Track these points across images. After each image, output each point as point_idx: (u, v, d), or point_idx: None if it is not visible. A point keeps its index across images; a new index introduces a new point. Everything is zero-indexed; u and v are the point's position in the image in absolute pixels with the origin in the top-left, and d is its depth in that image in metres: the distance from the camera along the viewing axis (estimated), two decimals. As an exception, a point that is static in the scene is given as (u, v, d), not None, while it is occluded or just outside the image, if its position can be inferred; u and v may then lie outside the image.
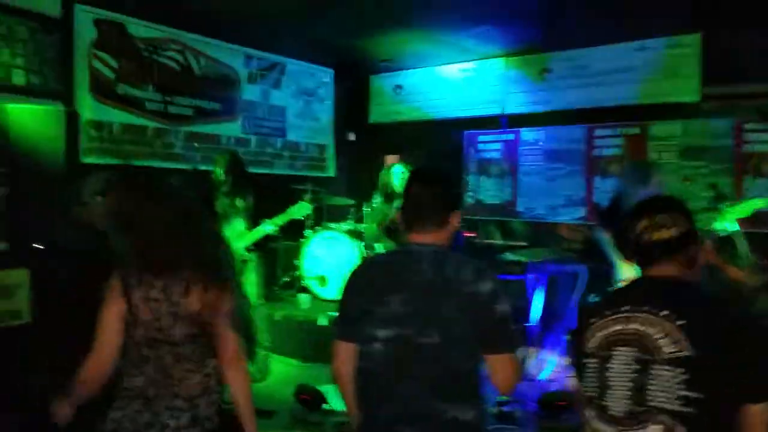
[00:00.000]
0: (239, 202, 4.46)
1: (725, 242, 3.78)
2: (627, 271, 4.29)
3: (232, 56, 6.31)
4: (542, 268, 5.28)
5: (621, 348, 1.54)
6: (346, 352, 1.84)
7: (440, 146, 7.11)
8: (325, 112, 7.52)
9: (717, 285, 2.73)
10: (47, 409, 1.84)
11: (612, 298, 1.76)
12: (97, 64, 5.13)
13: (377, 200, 5.70)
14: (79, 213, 2.88)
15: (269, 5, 5.10)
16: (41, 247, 3.99)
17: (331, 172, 7.60)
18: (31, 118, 4.29)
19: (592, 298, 4.63)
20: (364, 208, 5.94)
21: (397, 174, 5.19)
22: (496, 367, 1.70)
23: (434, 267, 1.71)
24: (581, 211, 6.12)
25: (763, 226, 4.66)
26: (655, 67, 5.57)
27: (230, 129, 6.31)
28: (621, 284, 4.26)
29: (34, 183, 4.14)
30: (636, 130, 5.80)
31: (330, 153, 7.60)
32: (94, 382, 1.88)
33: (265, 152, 6.68)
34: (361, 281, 1.85)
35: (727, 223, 3.80)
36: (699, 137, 5.43)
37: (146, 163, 5.42)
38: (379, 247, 5.29)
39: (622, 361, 1.53)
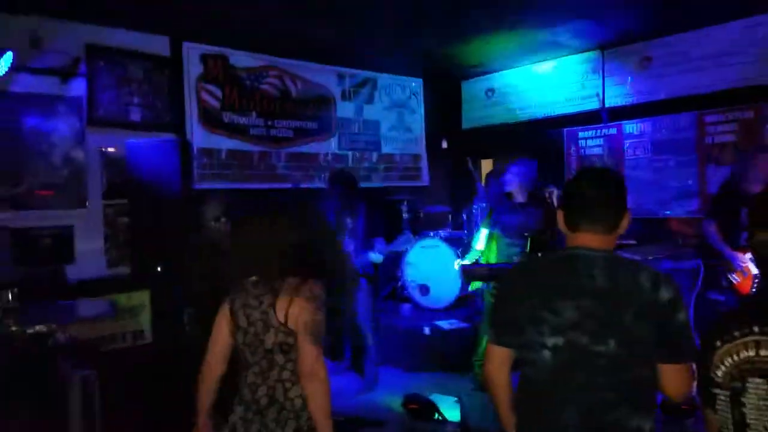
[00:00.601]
0: (349, 222, 4.58)
1: None
2: (744, 261, 4.00)
3: (325, 76, 6.56)
4: (657, 266, 5.00)
5: (755, 379, 1.34)
6: (500, 358, 1.83)
7: (538, 146, 6.96)
8: (417, 122, 7.60)
9: None
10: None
11: (736, 314, 1.56)
12: (205, 96, 5.53)
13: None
14: (200, 236, 3.14)
15: (359, 25, 5.26)
16: (160, 269, 4.34)
17: (425, 180, 7.65)
18: (149, 151, 4.68)
19: (714, 295, 4.34)
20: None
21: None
22: (672, 376, 1.64)
23: (608, 273, 1.65)
24: (695, 203, 5.73)
25: None
26: (765, 45, 5.13)
27: (327, 147, 6.55)
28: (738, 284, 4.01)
29: (153, 210, 4.50)
30: (751, 114, 5.36)
31: (424, 162, 7.65)
32: (208, 386, 2.05)
33: (361, 167, 6.86)
34: (522, 286, 1.81)
35: None
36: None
37: (252, 186, 5.76)
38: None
39: (758, 396, 1.33)
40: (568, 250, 1.76)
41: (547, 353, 1.66)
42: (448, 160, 7.83)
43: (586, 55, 6.44)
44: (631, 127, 6.19)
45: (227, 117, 5.68)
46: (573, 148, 6.68)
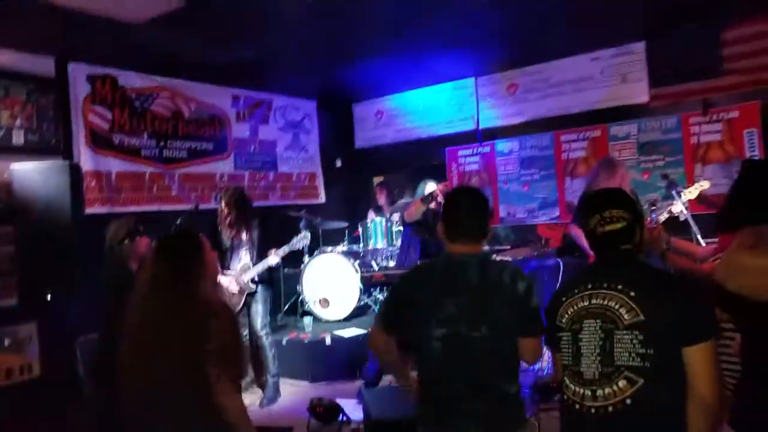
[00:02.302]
0: (244, 235, 4.79)
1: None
2: None
3: (219, 97, 6.72)
4: (525, 265, 5.65)
5: (589, 320, 1.83)
6: (386, 340, 2.22)
7: (424, 164, 7.53)
8: (312, 142, 7.93)
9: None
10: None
11: (576, 278, 2.02)
12: (93, 118, 5.52)
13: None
14: (107, 257, 3.26)
15: (255, 49, 5.52)
16: (50, 297, 4.26)
17: (321, 198, 7.97)
18: (36, 176, 4.61)
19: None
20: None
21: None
22: (529, 347, 2.10)
23: (479, 272, 2.09)
24: (556, 211, 6.50)
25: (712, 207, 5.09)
26: (609, 74, 6.00)
27: (223, 167, 6.70)
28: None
29: (42, 237, 4.44)
30: (597, 133, 6.21)
31: (320, 180, 7.98)
32: None
33: (258, 185, 7.06)
34: (414, 287, 2.19)
35: (682, 206, 4.21)
36: (652, 133, 5.84)
37: (145, 208, 5.80)
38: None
39: (590, 332, 1.82)
40: (449, 256, 2.18)
41: (436, 343, 2.05)
42: (344, 178, 8.20)
43: (462, 81, 7.11)
44: (502, 145, 6.91)
45: (117, 138, 5.70)
46: (454, 165, 7.30)
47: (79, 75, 5.45)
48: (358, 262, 6.16)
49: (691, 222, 4.11)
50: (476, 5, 3.38)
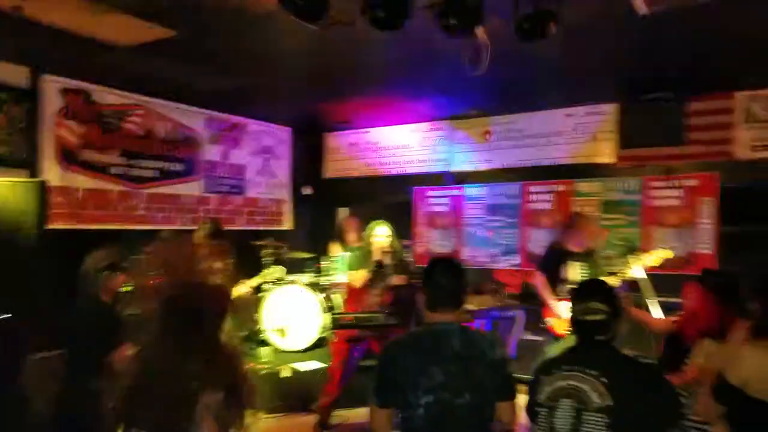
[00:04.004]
0: (218, 266, 4.74)
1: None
2: (559, 308, 4.82)
3: (193, 119, 6.68)
4: (487, 314, 5.77)
5: (564, 399, 2.04)
6: (385, 417, 2.25)
7: (391, 200, 7.62)
8: (282, 168, 7.93)
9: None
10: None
11: (557, 359, 2.27)
12: (63, 132, 5.41)
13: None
14: (81, 282, 3.17)
15: (237, 80, 5.53)
16: (7, 316, 4.13)
17: (288, 225, 7.95)
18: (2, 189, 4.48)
19: (533, 336, 5.12)
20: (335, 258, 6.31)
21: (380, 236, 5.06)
22: (506, 410, 2.24)
23: (461, 341, 2.21)
24: (518, 259, 6.67)
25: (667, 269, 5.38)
26: (579, 131, 6.25)
27: (191, 189, 6.62)
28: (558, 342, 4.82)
29: (3, 253, 4.31)
30: (564, 187, 6.43)
31: (287, 207, 7.96)
32: None
33: (225, 209, 7.00)
34: (401, 357, 2.26)
35: (637, 270, 4.41)
36: (615, 193, 6.10)
37: (110, 227, 5.67)
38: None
39: (564, 410, 2.03)
40: (431, 325, 2.29)
41: (421, 410, 2.14)
42: (311, 207, 8.20)
43: (438, 123, 7.25)
44: (471, 190, 7.05)
45: (87, 155, 5.59)
46: (421, 204, 7.41)
47: (52, 87, 5.35)
48: (321, 295, 6.16)
49: (649, 287, 4.30)
50: (474, 71, 3.50)
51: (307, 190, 8.30)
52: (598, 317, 2.12)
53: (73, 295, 3.33)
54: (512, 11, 3.20)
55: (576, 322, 2.19)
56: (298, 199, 8.09)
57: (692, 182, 5.66)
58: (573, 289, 2.34)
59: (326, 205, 8.35)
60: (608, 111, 6.10)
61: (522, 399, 2.27)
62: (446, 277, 2.31)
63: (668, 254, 4.63)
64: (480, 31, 3.17)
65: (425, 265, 2.45)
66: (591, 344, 2.14)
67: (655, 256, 4.53)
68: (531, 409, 2.20)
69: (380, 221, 5.27)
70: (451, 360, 2.17)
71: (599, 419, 1.94)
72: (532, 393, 2.20)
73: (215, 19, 4.07)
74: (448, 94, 6.13)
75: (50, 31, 4.21)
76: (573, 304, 2.21)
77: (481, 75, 5.11)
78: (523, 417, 2.31)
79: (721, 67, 4.88)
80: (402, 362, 2.24)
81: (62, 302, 3.41)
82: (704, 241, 5.53)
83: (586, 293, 2.21)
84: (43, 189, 4.56)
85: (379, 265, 5.01)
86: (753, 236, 5.29)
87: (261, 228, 7.39)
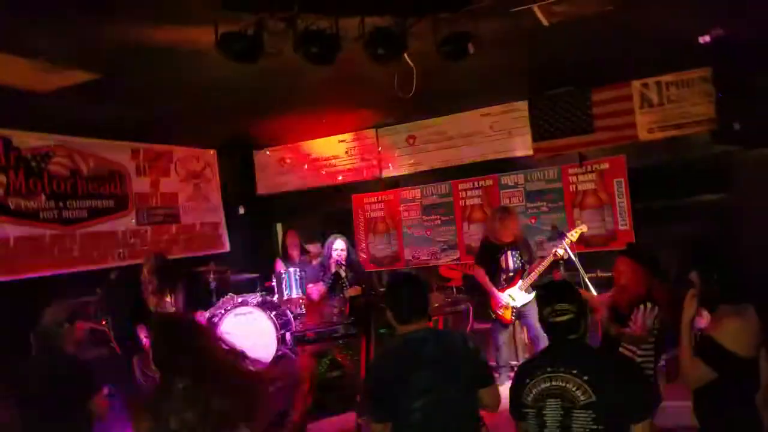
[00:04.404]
0: (169, 300, 4.76)
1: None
2: (503, 297, 5.17)
3: (118, 152, 6.56)
4: (439, 311, 6.06)
5: (551, 399, 2.21)
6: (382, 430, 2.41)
7: (330, 210, 7.79)
8: (213, 190, 7.91)
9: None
10: None
11: (536, 361, 2.44)
12: (-15, 181, 5.21)
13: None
14: (41, 341, 3.15)
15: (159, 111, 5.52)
16: None
17: (226, 247, 7.94)
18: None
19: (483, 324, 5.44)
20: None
21: (332, 246, 5.31)
22: (489, 395, 2.45)
23: (436, 344, 2.42)
24: (457, 254, 7.03)
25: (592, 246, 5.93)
26: (497, 128, 6.68)
27: (125, 223, 6.52)
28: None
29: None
30: (490, 182, 6.85)
31: (223, 230, 7.95)
32: None
33: (161, 239, 6.93)
34: (388, 370, 2.45)
35: (567, 248, 4.86)
36: (537, 183, 6.57)
37: (46, 273, 5.52)
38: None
39: (552, 409, 2.20)
40: (406, 335, 2.47)
41: (416, 414, 2.32)
42: (246, 226, 8.21)
43: (365, 132, 7.49)
44: (405, 193, 7.36)
45: (13, 203, 5.41)
46: (360, 211, 7.63)
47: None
48: (274, 313, 6.23)
49: (576, 261, 4.74)
50: (402, 94, 3.75)
51: (241, 210, 8.31)
52: (566, 317, 2.28)
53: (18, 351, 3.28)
54: (433, 35, 3.47)
55: (547, 324, 2.35)
56: (234, 219, 8.09)
57: (604, 166, 6.19)
58: (538, 293, 2.53)
59: (263, 223, 8.40)
60: (520, 108, 6.55)
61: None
62: (412, 291, 2.52)
63: (583, 229, 5.14)
64: (406, 57, 3.41)
65: (388, 284, 2.65)
66: (565, 343, 2.32)
67: (575, 233, 5.02)
68: (518, 410, 2.33)
69: (337, 234, 5.47)
70: (432, 362, 2.37)
71: (587, 415, 2.13)
72: (517, 395, 2.32)
73: (141, 59, 4.10)
74: (373, 108, 6.38)
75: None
76: (540, 307, 2.38)
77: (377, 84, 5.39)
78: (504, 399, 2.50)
79: (616, 60, 5.38)
80: (388, 375, 2.43)
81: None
82: (621, 219, 6.08)
83: (552, 296, 2.37)
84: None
85: (336, 277, 5.21)
86: (661, 210, 5.89)
87: (200, 254, 7.35)
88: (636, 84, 5.93)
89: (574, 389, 2.19)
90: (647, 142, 5.87)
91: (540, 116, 6.38)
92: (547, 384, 2.25)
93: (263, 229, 8.45)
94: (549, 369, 2.27)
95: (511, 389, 2.40)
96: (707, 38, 4.29)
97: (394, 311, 2.52)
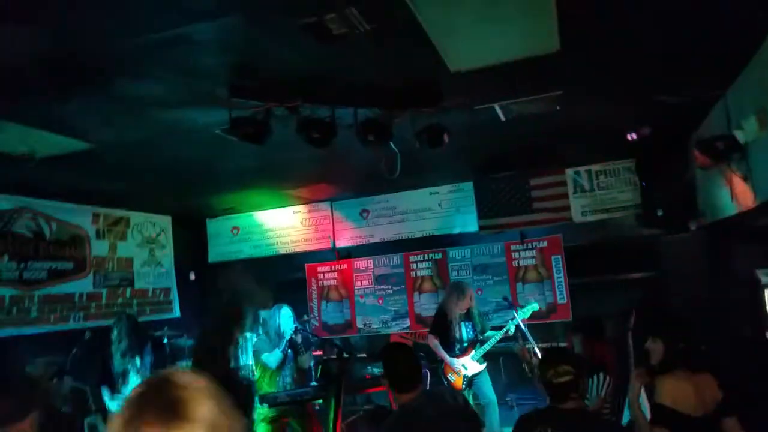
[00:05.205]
0: (138, 361, 4.83)
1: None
2: (457, 365, 5.57)
3: (80, 216, 6.63)
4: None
5: None
6: None
7: (284, 278, 8.03)
8: (167, 256, 7.98)
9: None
10: None
11: (534, 417, 2.62)
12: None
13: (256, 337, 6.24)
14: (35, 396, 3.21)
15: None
16: None
17: (176, 312, 7.95)
18: None
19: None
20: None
21: (285, 316, 5.36)
22: None
23: (439, 402, 2.71)
24: (407, 322, 7.42)
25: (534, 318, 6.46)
26: (445, 206, 7.30)
27: (82, 286, 6.51)
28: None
29: None
30: (439, 255, 7.40)
31: (174, 295, 7.99)
32: None
33: (116, 303, 6.91)
34: None
35: (518, 322, 5.37)
36: (483, 257, 7.18)
37: (4, 332, 5.43)
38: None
39: None
40: (411, 403, 2.67)
41: None
42: (197, 292, 8.28)
43: (318, 204, 7.92)
44: (358, 263, 7.76)
45: (-24, 262, 5.38)
46: (313, 280, 7.93)
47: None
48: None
49: (528, 335, 5.25)
50: (388, 174, 4.24)
51: (191, 276, 8.38)
52: (567, 378, 2.51)
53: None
54: (412, 125, 4.03)
55: (549, 385, 2.56)
56: (185, 286, 8.15)
57: (543, 243, 6.90)
58: (541, 357, 2.92)
59: (212, 289, 8.47)
60: (467, 188, 7.23)
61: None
62: (409, 360, 2.78)
63: (535, 308, 5.70)
64: (392, 144, 3.94)
65: (385, 354, 2.87)
66: (564, 403, 2.53)
67: (528, 309, 5.56)
68: None
69: (283, 304, 5.68)
70: (440, 421, 2.61)
71: None
72: None
73: (133, 137, 4.38)
74: (326, 182, 6.86)
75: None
76: (543, 370, 2.61)
77: (358, 164, 5.91)
78: None
79: (553, 150, 6.17)
80: None
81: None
82: (560, 293, 6.73)
83: (553, 359, 2.65)
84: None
85: (292, 344, 5.41)
86: (594, 285, 6.59)
87: (151, 318, 7.35)
88: (569, 172, 6.76)
89: None
90: (581, 224, 6.64)
91: (484, 196, 7.06)
92: None
93: (213, 297, 8.51)
94: (538, 428, 2.52)
95: None
96: (634, 136, 5.04)
97: (395, 380, 2.72)
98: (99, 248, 6.85)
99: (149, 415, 1.08)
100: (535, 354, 5.08)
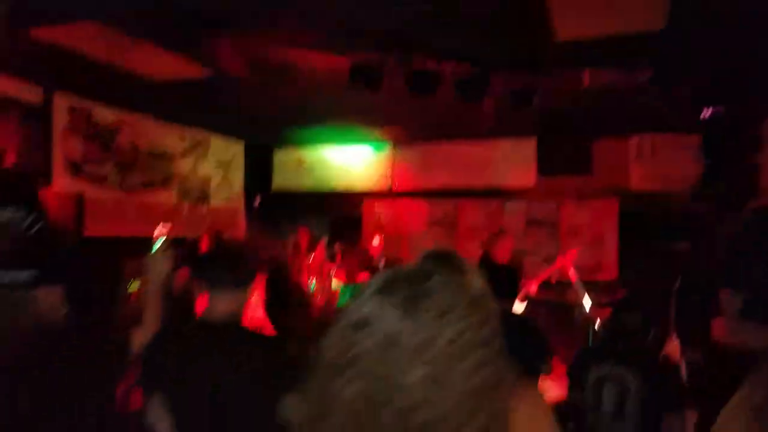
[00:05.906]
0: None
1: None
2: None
3: (170, 134, 7.19)
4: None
5: None
6: None
7: (341, 213, 8.51)
8: (237, 180, 8.56)
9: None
10: None
11: None
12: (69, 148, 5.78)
13: None
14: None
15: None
16: None
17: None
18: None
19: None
20: None
21: None
22: None
23: None
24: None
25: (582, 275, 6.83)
26: (506, 159, 7.63)
27: (167, 198, 7.15)
28: None
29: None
30: (494, 206, 7.79)
31: (241, 217, 8.59)
32: None
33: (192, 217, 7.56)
34: None
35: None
36: (536, 213, 7.56)
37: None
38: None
39: None
40: None
41: None
42: (261, 216, 8.80)
43: (380, 145, 8.33)
44: (413, 206, 8.19)
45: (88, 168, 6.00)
46: (370, 218, 8.41)
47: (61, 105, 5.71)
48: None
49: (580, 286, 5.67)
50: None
51: (256, 201, 8.90)
52: None
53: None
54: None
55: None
56: (250, 210, 8.71)
57: (598, 206, 7.21)
58: None
59: (275, 218, 8.97)
60: (528, 144, 7.50)
61: None
62: None
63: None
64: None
65: None
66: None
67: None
68: None
69: None
70: None
71: None
72: None
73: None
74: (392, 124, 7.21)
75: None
76: None
77: (423, 109, 6.18)
78: None
79: (622, 116, 6.36)
80: None
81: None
82: (608, 254, 7.09)
83: None
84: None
85: None
86: (642, 252, 6.88)
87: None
88: (633, 139, 6.98)
89: None
90: (637, 191, 6.92)
91: (546, 153, 7.35)
92: None
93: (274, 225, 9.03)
94: None
95: None
96: (708, 113, 5.25)
97: None
98: (183, 165, 7.42)
99: None
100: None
